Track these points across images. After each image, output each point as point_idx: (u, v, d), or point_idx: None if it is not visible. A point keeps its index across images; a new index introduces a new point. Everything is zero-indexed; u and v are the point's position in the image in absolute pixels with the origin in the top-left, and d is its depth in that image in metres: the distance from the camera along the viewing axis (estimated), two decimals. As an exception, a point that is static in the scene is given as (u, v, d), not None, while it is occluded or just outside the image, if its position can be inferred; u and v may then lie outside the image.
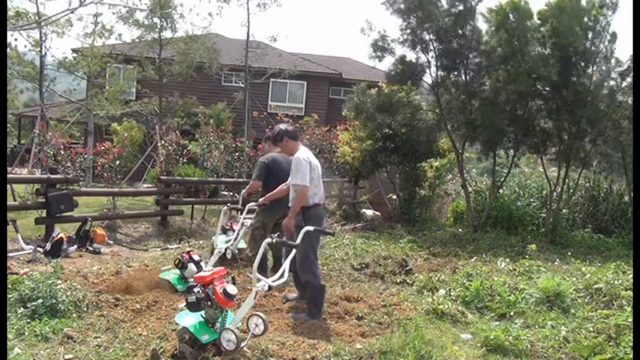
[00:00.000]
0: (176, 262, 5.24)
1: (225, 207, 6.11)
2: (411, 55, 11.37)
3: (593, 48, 9.71)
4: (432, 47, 11.14)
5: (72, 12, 12.10)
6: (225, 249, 5.68)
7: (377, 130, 12.22)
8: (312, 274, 4.58)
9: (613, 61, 9.87)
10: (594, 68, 9.90)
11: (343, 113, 13.30)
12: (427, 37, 11.06)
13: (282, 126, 5.02)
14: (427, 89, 12.19)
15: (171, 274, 5.27)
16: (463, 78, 11.17)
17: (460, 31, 10.69)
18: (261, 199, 5.59)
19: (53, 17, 12.93)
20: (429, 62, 11.31)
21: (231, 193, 11.76)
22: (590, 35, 9.63)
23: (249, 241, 5.95)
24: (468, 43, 10.77)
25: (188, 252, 5.40)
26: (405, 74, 11.31)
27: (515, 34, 9.84)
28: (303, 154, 4.69)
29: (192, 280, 4.91)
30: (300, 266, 4.55)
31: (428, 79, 11.62)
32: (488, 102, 10.49)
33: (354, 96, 12.10)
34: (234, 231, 5.94)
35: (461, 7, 10.67)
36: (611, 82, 10.01)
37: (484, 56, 10.74)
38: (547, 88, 10.35)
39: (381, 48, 11.41)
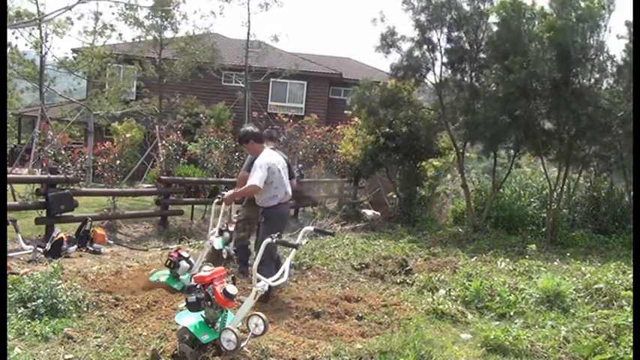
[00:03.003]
0: (168, 264, 5.18)
1: (215, 202, 5.76)
2: (417, 52, 11.48)
3: (590, 43, 9.62)
4: (439, 46, 11.28)
5: (69, 9, 12.08)
6: (221, 249, 5.70)
7: (378, 126, 12.25)
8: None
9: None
10: (593, 64, 9.80)
11: (345, 111, 13.34)
12: (435, 36, 11.25)
13: (249, 128, 5.38)
14: (430, 88, 12.25)
15: (163, 276, 5.19)
16: (468, 78, 11.21)
17: (470, 30, 10.76)
18: (227, 194, 5.37)
19: (52, 14, 12.93)
20: (433, 61, 11.40)
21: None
22: (586, 29, 9.55)
23: (234, 235, 5.92)
24: (477, 43, 10.82)
25: (176, 250, 5.39)
26: (410, 68, 11.37)
27: (515, 28, 9.80)
28: (265, 159, 5.06)
29: (185, 277, 4.96)
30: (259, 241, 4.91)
31: (432, 78, 11.75)
32: (492, 98, 10.46)
33: (359, 88, 12.19)
34: (230, 231, 5.95)
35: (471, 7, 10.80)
36: (610, 80, 9.99)
37: (487, 52, 10.72)
38: (545, 86, 10.29)
39: (389, 43, 11.48)
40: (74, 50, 17.02)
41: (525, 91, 10.09)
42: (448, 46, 11.25)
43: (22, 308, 3.99)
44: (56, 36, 13.54)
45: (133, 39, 15.97)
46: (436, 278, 6.12)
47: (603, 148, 10.38)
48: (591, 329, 4.37)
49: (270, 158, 5.13)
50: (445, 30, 11.15)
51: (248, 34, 17.12)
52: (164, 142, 10.31)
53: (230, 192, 5.24)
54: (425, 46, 11.37)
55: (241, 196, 5.15)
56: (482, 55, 10.96)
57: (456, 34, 11.09)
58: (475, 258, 7.87)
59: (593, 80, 10.02)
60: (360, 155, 12.54)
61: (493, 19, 10.63)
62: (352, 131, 13.13)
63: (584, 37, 9.58)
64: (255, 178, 4.90)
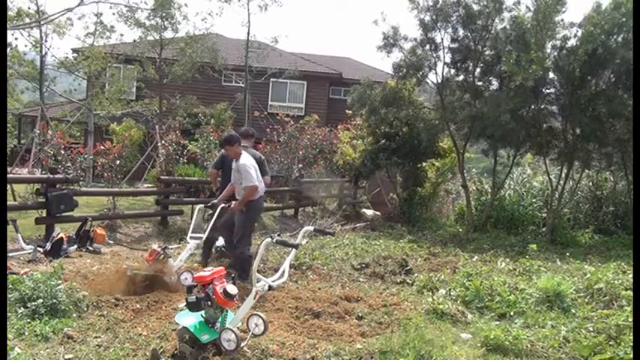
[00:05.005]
0: (164, 258, 5.32)
1: (201, 205, 6.32)
2: (420, 51, 11.46)
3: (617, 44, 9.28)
4: (442, 45, 11.29)
5: (70, 10, 12.10)
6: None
7: (378, 126, 12.22)
8: (246, 247, 5.83)
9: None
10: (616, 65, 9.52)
11: (347, 110, 13.32)
12: (439, 35, 11.25)
13: (234, 132, 6.00)
14: (432, 87, 12.24)
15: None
16: (471, 78, 11.19)
17: (477, 29, 10.72)
18: (233, 204, 5.80)
19: (53, 16, 12.94)
20: (436, 61, 11.39)
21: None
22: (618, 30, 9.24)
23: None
24: (483, 42, 10.77)
25: (162, 248, 5.48)
26: (413, 67, 11.34)
27: (544, 21, 9.54)
28: (249, 160, 5.72)
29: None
30: (238, 239, 5.75)
31: (433, 77, 11.73)
32: (496, 97, 10.33)
33: (360, 87, 12.19)
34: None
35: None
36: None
37: (512, 43, 10.27)
38: (563, 83, 10.08)
39: (391, 42, 11.46)
40: (74, 50, 17.03)
41: (535, 89, 9.97)
42: (452, 45, 11.25)
43: (22, 308, 3.99)
44: (57, 36, 13.58)
45: (134, 39, 15.99)
46: (436, 278, 6.12)
47: (607, 148, 10.32)
48: (591, 329, 4.37)
49: (251, 159, 5.79)
50: (450, 29, 11.14)
51: (248, 34, 17.14)
52: (164, 142, 10.31)
53: (235, 203, 5.73)
54: (428, 46, 11.36)
55: (248, 199, 5.66)
56: (507, 48, 10.58)
57: (461, 33, 11.06)
58: (475, 258, 7.87)
59: (612, 82, 9.87)
60: (359, 157, 12.54)
61: (506, 14, 10.54)
62: (351, 133, 13.12)
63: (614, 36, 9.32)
64: (253, 178, 5.63)
